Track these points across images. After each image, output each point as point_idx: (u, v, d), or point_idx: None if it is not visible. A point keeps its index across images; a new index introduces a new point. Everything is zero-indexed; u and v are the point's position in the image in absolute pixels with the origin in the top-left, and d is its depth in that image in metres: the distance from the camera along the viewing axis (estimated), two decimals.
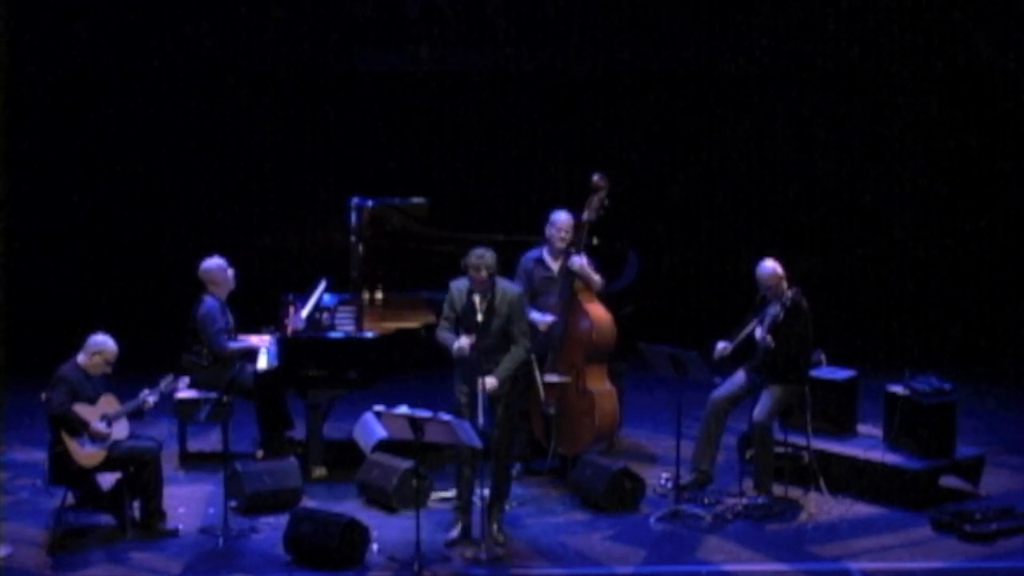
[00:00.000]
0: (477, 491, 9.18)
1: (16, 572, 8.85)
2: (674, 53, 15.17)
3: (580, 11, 15.11)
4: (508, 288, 9.17)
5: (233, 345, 10.61)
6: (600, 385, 10.28)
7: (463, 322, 9.08)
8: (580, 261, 10.23)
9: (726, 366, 10.03)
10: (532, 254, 10.41)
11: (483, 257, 8.97)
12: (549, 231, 10.31)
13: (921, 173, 15.21)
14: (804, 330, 9.78)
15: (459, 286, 9.16)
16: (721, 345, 9.82)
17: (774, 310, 9.66)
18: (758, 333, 9.70)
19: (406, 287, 11.20)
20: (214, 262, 10.69)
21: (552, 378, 10.24)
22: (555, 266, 10.35)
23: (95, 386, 9.29)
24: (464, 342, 8.99)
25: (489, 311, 9.04)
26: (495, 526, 9.22)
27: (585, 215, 10.26)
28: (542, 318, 10.17)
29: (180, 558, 9.04)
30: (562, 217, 10.30)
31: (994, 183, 15.05)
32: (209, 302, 10.56)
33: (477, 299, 9.02)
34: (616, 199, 10.31)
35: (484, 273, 8.98)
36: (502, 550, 9.08)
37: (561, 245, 10.28)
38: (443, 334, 9.18)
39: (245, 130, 15.09)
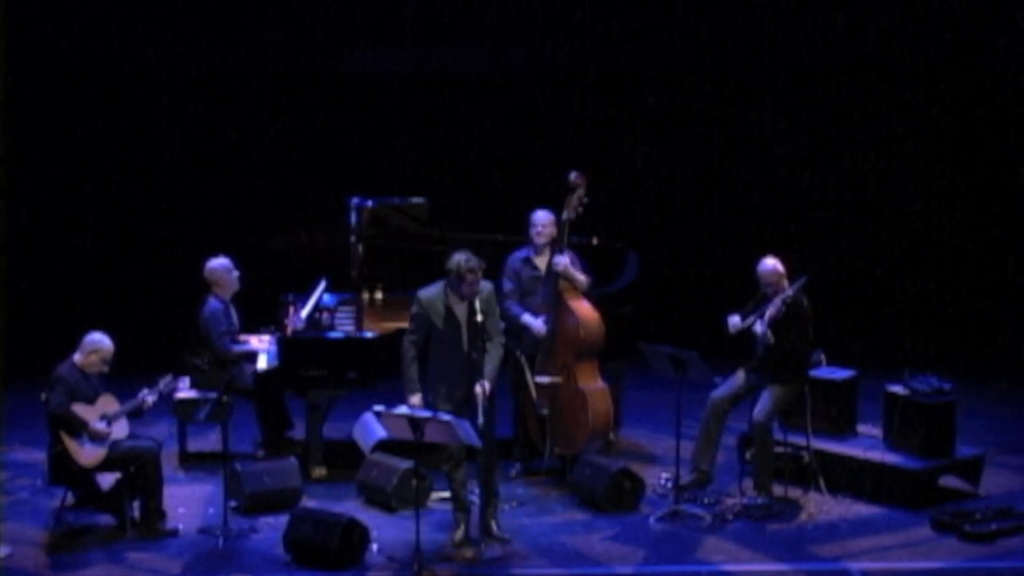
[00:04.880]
0: (474, 490, 9.20)
1: (16, 572, 8.85)
2: (673, 52, 15.16)
3: (579, 10, 15.09)
4: (481, 285, 9.08)
5: (236, 348, 10.58)
6: (591, 383, 10.26)
7: (447, 332, 8.99)
8: (564, 261, 10.22)
9: (726, 363, 10.03)
10: (519, 254, 10.42)
11: (475, 260, 8.91)
12: (531, 230, 10.33)
13: (921, 171, 15.19)
14: (803, 328, 9.77)
15: (429, 295, 9.05)
16: (734, 319, 9.79)
17: (774, 307, 9.64)
18: (758, 327, 9.66)
19: (406, 287, 11.19)
20: (219, 262, 10.64)
21: (543, 379, 10.20)
22: (542, 265, 10.35)
23: (93, 386, 9.28)
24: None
25: (472, 312, 9.00)
26: (494, 524, 9.22)
27: (565, 214, 10.23)
28: (536, 323, 10.16)
29: (180, 558, 9.04)
30: (540, 215, 10.33)
31: (994, 181, 15.03)
32: (213, 303, 10.52)
33: (457, 304, 8.97)
34: (617, 199, 10.30)
35: (480, 274, 8.96)
36: (503, 549, 9.09)
37: (542, 241, 10.29)
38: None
39: (245, 130, 15.08)
